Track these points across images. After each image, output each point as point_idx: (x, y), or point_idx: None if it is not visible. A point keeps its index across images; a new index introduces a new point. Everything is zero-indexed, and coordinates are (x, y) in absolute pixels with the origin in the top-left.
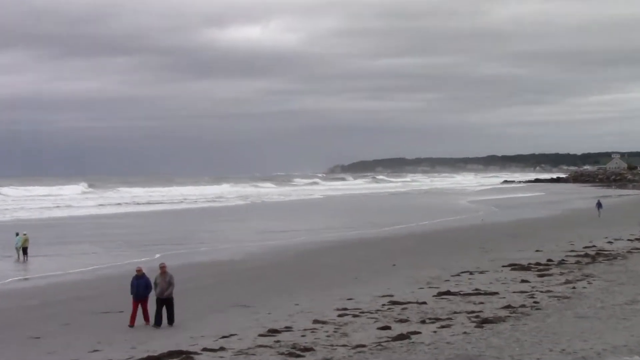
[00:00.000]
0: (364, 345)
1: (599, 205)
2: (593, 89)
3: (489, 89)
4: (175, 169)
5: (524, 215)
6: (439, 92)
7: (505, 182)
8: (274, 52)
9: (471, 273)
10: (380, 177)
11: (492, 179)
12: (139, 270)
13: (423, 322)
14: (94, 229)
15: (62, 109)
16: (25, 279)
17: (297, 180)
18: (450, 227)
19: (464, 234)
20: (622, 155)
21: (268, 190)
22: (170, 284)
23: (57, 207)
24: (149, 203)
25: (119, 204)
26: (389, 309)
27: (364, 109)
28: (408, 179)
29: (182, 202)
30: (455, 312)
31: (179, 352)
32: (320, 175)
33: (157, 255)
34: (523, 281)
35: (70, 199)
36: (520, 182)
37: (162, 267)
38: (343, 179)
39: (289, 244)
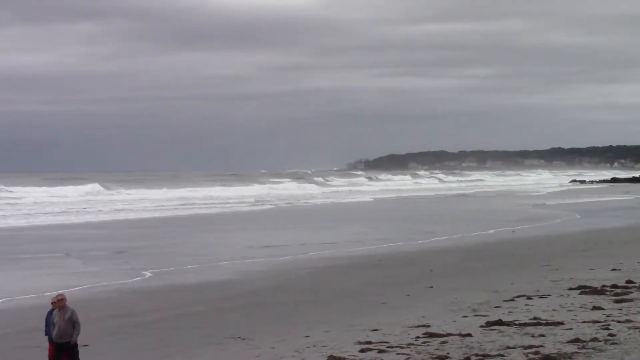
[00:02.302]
0: None
1: None
2: None
3: (557, 63)
4: (153, 164)
5: (598, 225)
6: (492, 67)
7: (574, 181)
8: (280, 16)
9: (529, 297)
10: (423, 173)
11: (556, 179)
12: (56, 302)
13: (467, 359)
14: (55, 241)
15: (8, 87)
16: None
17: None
18: (504, 240)
19: (523, 248)
20: None
21: (292, 192)
22: (74, 323)
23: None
24: (131, 209)
25: (84, 209)
26: (425, 342)
27: (394, 88)
28: (455, 178)
29: (186, 206)
30: (508, 347)
31: None
32: (334, 171)
33: (149, 274)
34: (595, 308)
35: (34, 202)
36: (592, 181)
37: (59, 300)
38: (370, 178)
39: (300, 261)
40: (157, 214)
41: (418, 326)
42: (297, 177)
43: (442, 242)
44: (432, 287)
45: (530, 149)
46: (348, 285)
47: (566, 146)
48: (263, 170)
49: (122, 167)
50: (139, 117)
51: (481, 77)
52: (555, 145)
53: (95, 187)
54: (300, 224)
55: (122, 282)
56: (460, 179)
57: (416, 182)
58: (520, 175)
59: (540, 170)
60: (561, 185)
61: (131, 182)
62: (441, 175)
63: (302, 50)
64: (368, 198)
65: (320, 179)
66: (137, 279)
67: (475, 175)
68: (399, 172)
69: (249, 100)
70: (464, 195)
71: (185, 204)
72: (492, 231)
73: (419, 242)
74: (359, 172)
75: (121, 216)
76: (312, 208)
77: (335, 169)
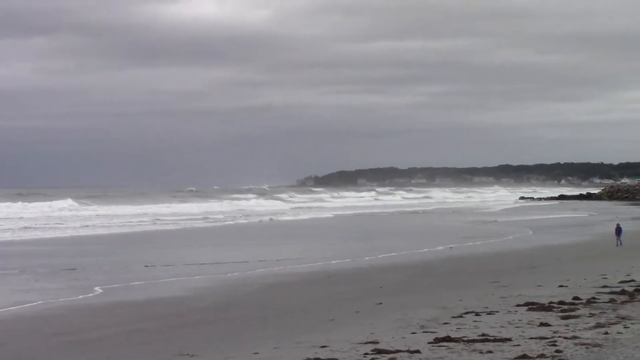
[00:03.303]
0: None
1: (618, 231)
2: (636, 81)
3: (508, 82)
4: (108, 179)
5: (546, 242)
6: (444, 84)
7: (522, 198)
8: (235, 33)
9: (477, 314)
10: (381, 190)
11: (513, 195)
12: None
13: None
14: (11, 258)
15: None
16: None
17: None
18: (453, 256)
19: (472, 265)
20: None
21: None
22: None
23: None
24: (102, 225)
25: (46, 225)
26: (373, 359)
27: (347, 105)
28: (414, 195)
29: (158, 222)
30: None
31: None
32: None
33: (99, 291)
34: (542, 324)
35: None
36: (540, 198)
37: None
38: (334, 194)
39: (249, 277)
40: (124, 230)
41: (367, 342)
42: (259, 193)
43: (392, 258)
44: (381, 303)
45: (479, 166)
46: (297, 301)
47: (515, 163)
48: (216, 187)
49: (77, 182)
50: (92, 132)
51: (433, 94)
52: (504, 163)
53: (68, 202)
54: (254, 240)
55: (72, 298)
56: (418, 195)
57: (377, 199)
58: (477, 192)
59: (496, 187)
60: (515, 202)
61: (102, 197)
62: (402, 192)
63: (256, 66)
64: (329, 214)
65: (284, 195)
66: (88, 295)
67: (434, 191)
68: (351, 189)
69: (203, 116)
70: (423, 212)
71: (158, 220)
72: (440, 248)
73: (369, 258)
74: (319, 189)
75: (85, 232)
76: (280, 224)
77: (285, 185)
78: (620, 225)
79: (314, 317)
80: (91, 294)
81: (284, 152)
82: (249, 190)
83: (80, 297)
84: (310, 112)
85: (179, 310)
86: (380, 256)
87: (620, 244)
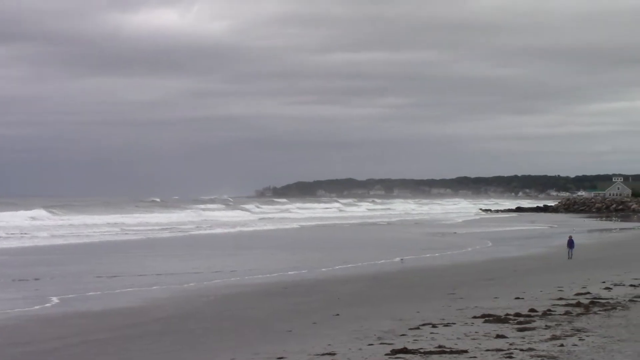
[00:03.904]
0: None
1: (571, 243)
2: (595, 95)
3: (468, 94)
4: (66, 189)
5: (503, 254)
6: (404, 96)
7: (480, 210)
8: (196, 43)
9: (434, 326)
10: (345, 202)
11: (475, 208)
12: None
13: None
14: None
15: None
16: None
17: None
18: (410, 268)
19: (429, 277)
20: (626, 178)
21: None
22: None
23: None
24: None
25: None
26: None
27: (306, 116)
28: (379, 206)
29: (133, 231)
30: None
31: None
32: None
33: (55, 301)
34: (499, 336)
35: None
36: (498, 211)
37: None
38: (281, 203)
39: (205, 288)
40: (92, 240)
41: (324, 354)
42: (223, 203)
43: (350, 269)
44: (338, 314)
45: (437, 178)
46: (254, 312)
47: (473, 175)
48: (176, 197)
49: (35, 192)
50: (52, 141)
51: (392, 106)
52: (462, 175)
53: (38, 212)
54: (215, 250)
55: (28, 308)
56: (382, 207)
57: (341, 210)
58: (440, 204)
59: (458, 199)
60: (476, 214)
61: (71, 207)
62: (366, 204)
63: (216, 77)
64: (295, 225)
65: (250, 206)
66: (44, 305)
67: (398, 203)
68: (310, 200)
69: (163, 126)
70: (387, 223)
71: (126, 230)
72: (397, 259)
73: (326, 269)
74: (283, 200)
75: (49, 242)
76: (247, 235)
77: (244, 196)
78: (573, 238)
79: (271, 328)
80: (48, 304)
81: (242, 163)
82: (212, 201)
83: (37, 307)
84: (269, 123)
85: (136, 321)
86: (337, 267)
87: (571, 256)
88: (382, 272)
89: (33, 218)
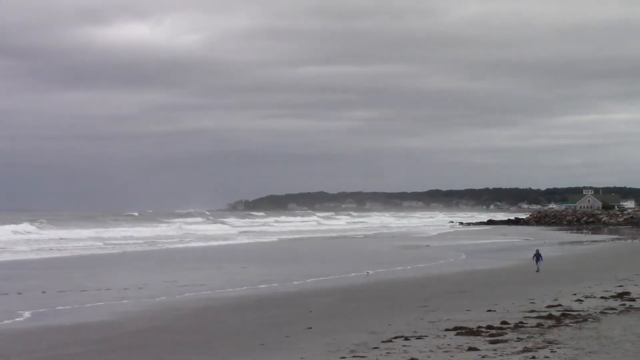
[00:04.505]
0: None
1: (538, 256)
2: (565, 108)
3: (437, 107)
4: (35, 203)
5: (475, 266)
6: (373, 110)
7: (452, 223)
8: (167, 57)
9: (407, 338)
10: (321, 215)
11: (442, 219)
12: None
13: None
14: None
15: None
16: None
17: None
18: (382, 280)
19: (401, 290)
20: (597, 191)
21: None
22: None
23: None
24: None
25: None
26: None
27: (277, 130)
28: (358, 220)
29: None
30: None
31: None
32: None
33: (27, 315)
34: (471, 349)
35: None
36: (469, 223)
37: None
38: (252, 216)
39: (177, 302)
40: (73, 253)
41: None
42: (203, 217)
43: (322, 282)
44: (311, 328)
45: (409, 190)
46: (226, 326)
47: (444, 188)
48: (150, 210)
49: (7, 205)
50: (20, 155)
51: (363, 119)
52: (434, 188)
53: (25, 226)
54: (188, 264)
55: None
56: (360, 220)
57: (320, 224)
58: (417, 217)
59: (434, 212)
60: (451, 227)
61: (55, 221)
62: (345, 217)
63: (187, 90)
64: (274, 238)
65: (231, 219)
66: (16, 319)
67: (374, 217)
68: (287, 213)
69: (134, 140)
70: (364, 236)
71: (112, 244)
72: (370, 272)
73: (298, 282)
74: (260, 213)
75: (26, 256)
76: (224, 248)
77: (216, 209)
78: (540, 252)
79: (244, 342)
80: (19, 319)
81: (214, 176)
82: (190, 214)
83: (7, 321)
84: (240, 136)
85: (108, 335)
86: (310, 280)
87: (538, 270)
88: (354, 285)
89: (15, 232)
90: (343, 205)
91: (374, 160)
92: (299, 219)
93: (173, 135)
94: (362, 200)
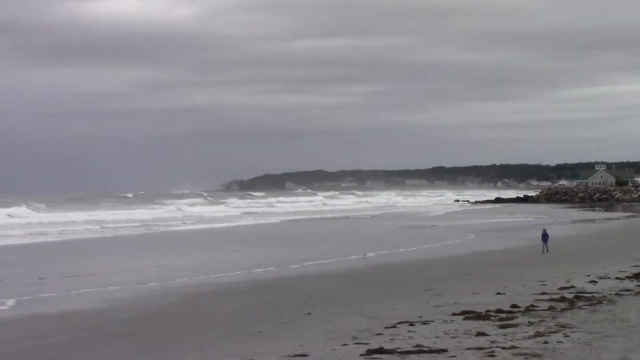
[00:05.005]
0: None
1: (545, 237)
2: (573, 80)
3: (439, 81)
4: (23, 185)
5: (483, 247)
6: (373, 84)
7: (457, 201)
8: (157, 31)
9: (412, 324)
10: (325, 195)
11: (452, 198)
12: None
13: None
14: None
15: None
16: None
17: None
18: (384, 263)
19: (405, 272)
20: (609, 167)
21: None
22: None
23: None
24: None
25: None
26: None
27: (273, 106)
28: (365, 199)
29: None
30: None
31: None
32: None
33: (11, 303)
34: (480, 334)
35: None
36: (477, 202)
37: None
38: (250, 196)
39: (170, 287)
40: (66, 237)
41: (295, 355)
42: (201, 198)
43: (322, 265)
44: (310, 313)
45: (412, 168)
46: (222, 312)
47: (448, 165)
48: (142, 192)
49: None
50: (6, 134)
51: (362, 94)
52: (437, 165)
53: (21, 209)
54: (184, 247)
55: None
56: (365, 199)
57: (324, 204)
58: (426, 195)
59: (444, 191)
60: (460, 205)
61: (53, 204)
62: (350, 197)
63: (180, 66)
64: (277, 220)
65: (233, 200)
66: (0, 308)
67: (381, 195)
68: (281, 193)
69: (123, 117)
70: (371, 216)
71: (109, 227)
72: (371, 254)
73: (297, 266)
74: (260, 193)
75: (23, 241)
76: (223, 231)
77: (211, 190)
78: (547, 231)
79: (240, 328)
80: (4, 307)
81: (206, 155)
82: (187, 195)
83: None
84: (235, 113)
85: (98, 323)
86: (309, 263)
87: (547, 250)
88: (356, 268)
89: (10, 215)
90: (343, 184)
91: (373, 136)
92: (302, 199)
93: (165, 113)
94: (362, 178)
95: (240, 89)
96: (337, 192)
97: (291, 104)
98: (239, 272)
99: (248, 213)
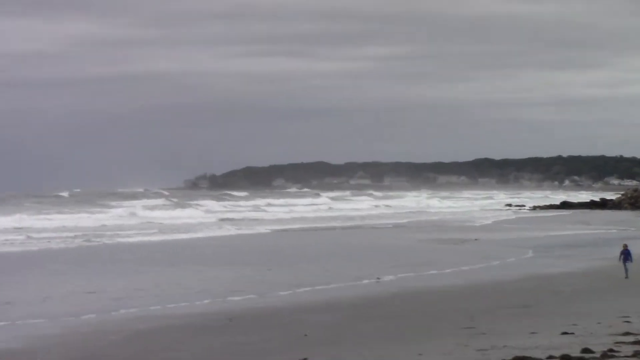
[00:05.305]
0: None
1: (627, 256)
2: None
3: (487, 41)
4: None
5: (543, 270)
6: (394, 45)
7: (509, 206)
8: None
9: None
10: (333, 195)
11: (483, 202)
12: None
13: None
14: None
15: None
16: None
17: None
18: (407, 291)
19: (435, 303)
20: None
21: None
22: None
23: None
24: None
25: None
26: None
27: (258, 74)
28: (387, 202)
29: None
30: None
31: None
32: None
33: None
34: None
35: None
36: (535, 207)
37: None
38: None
39: (115, 321)
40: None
41: None
42: (158, 198)
43: (321, 293)
44: (306, 359)
45: (447, 160)
46: (183, 356)
47: (497, 157)
48: (78, 190)
49: None
50: None
51: (380, 58)
52: (482, 156)
53: None
54: (135, 267)
55: None
56: (385, 203)
57: (331, 208)
58: (467, 198)
59: (493, 192)
60: (514, 212)
61: None
62: (367, 199)
63: (131, 19)
64: (265, 229)
65: (205, 202)
66: None
67: (409, 197)
68: (269, 194)
69: (53, 87)
70: (394, 226)
71: (40, 237)
72: (390, 277)
73: (288, 293)
74: (241, 194)
75: None
76: (187, 243)
77: (171, 187)
78: (629, 248)
79: None
80: None
81: (167, 141)
82: (141, 195)
83: None
84: (206, 83)
85: None
86: (304, 290)
87: (627, 276)
88: (367, 296)
89: None
90: (352, 181)
91: (394, 117)
92: (300, 201)
93: (111, 82)
94: (378, 173)
95: (214, 50)
96: (348, 193)
97: (283, 72)
98: (207, 301)
99: (226, 220)
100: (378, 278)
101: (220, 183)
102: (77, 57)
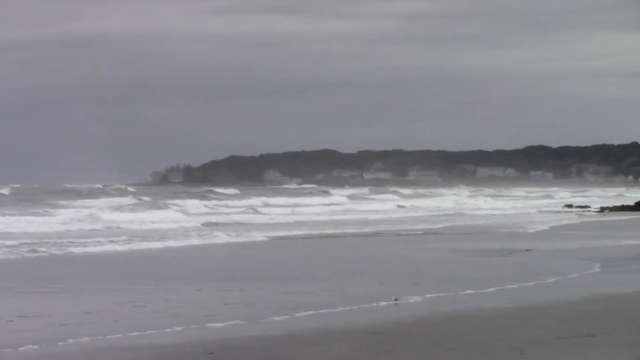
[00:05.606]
0: None
1: None
2: None
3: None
4: None
5: (611, 289)
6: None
7: (569, 206)
8: None
9: None
10: (348, 193)
11: (537, 202)
12: None
13: None
14: None
15: None
16: None
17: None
18: (439, 316)
19: (477, 329)
20: None
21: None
22: None
23: None
24: None
25: None
26: None
27: (244, 36)
28: (414, 202)
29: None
30: None
31: None
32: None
33: None
34: None
35: None
36: (602, 209)
37: None
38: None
39: (56, 354)
40: None
41: None
42: (123, 196)
43: (326, 318)
44: None
45: (489, 148)
46: None
47: (555, 144)
48: (17, 185)
49: None
50: None
51: (403, 16)
52: (534, 143)
53: None
54: (88, 285)
55: None
56: (419, 203)
57: (347, 211)
58: (517, 197)
59: (552, 188)
60: (576, 214)
61: None
62: (391, 196)
63: None
64: (259, 236)
65: (184, 201)
66: None
67: (447, 196)
68: (263, 191)
69: None
70: (425, 232)
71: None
72: (416, 298)
73: (284, 318)
74: (231, 191)
75: None
76: (158, 255)
77: (134, 183)
78: None
79: None
80: None
81: (129, 124)
82: (101, 192)
83: None
84: (176, 50)
85: None
86: (305, 314)
87: None
88: (388, 322)
89: None
90: (367, 175)
91: (422, 92)
92: (306, 200)
93: (55, 47)
94: (401, 165)
95: (185, 4)
96: (365, 190)
97: (277, 34)
98: (180, 329)
99: (211, 224)
100: (396, 299)
101: (198, 176)
102: (8, 16)
